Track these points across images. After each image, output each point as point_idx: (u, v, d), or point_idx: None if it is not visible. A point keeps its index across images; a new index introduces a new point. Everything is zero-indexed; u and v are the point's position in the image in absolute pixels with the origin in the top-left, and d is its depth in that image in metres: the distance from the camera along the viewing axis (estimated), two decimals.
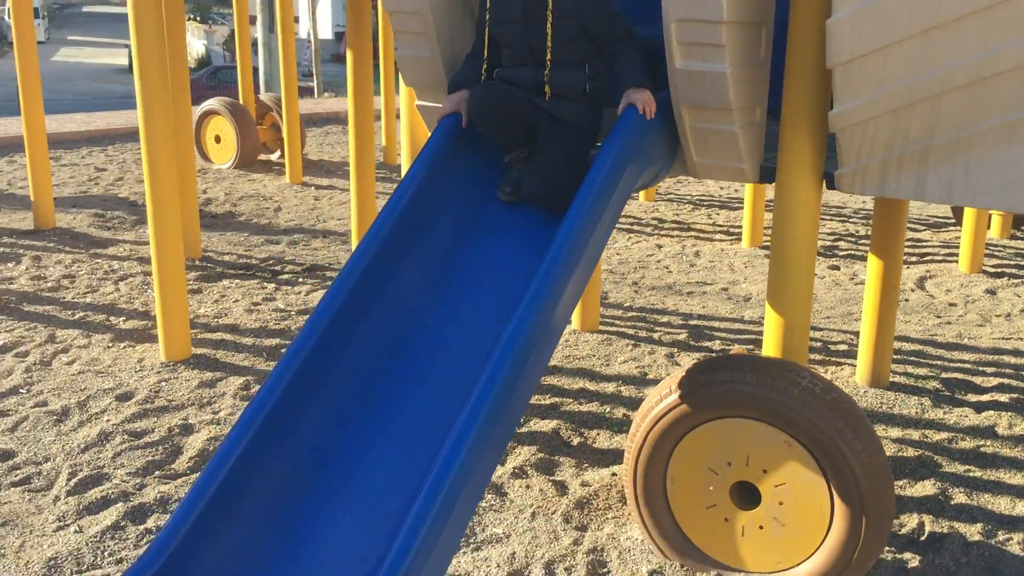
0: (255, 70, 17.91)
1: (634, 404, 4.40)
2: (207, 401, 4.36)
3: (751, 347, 5.14)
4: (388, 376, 2.79)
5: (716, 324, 5.62)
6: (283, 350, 5.00)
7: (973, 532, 3.34)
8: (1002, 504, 3.54)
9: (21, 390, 4.44)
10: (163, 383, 4.53)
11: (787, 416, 2.84)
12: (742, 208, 8.76)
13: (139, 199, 8.60)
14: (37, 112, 7.07)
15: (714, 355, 4.90)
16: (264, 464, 2.61)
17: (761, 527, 2.99)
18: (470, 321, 2.86)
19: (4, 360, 4.78)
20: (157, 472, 3.74)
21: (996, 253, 7.32)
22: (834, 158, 3.07)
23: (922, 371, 4.84)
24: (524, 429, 4.10)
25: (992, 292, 6.31)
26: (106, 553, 3.21)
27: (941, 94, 2.63)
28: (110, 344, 5.03)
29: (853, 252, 7.37)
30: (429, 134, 3.32)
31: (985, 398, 4.50)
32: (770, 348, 3.21)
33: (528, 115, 3.06)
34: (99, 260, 6.59)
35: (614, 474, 3.72)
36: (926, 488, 3.64)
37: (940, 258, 7.21)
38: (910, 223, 8.26)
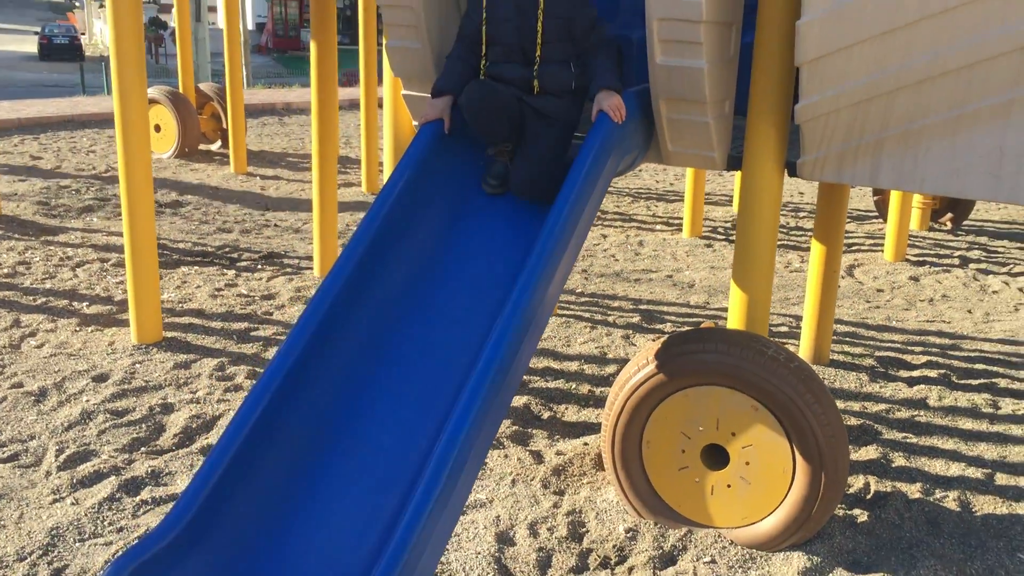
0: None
1: (597, 380, 4.66)
2: (184, 381, 4.46)
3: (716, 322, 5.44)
4: (395, 347, 2.97)
5: (665, 308, 5.92)
6: (252, 333, 5.12)
7: (914, 491, 3.68)
8: (937, 466, 3.89)
9: None
10: (138, 365, 4.62)
11: (754, 383, 3.12)
12: (679, 200, 9.12)
13: (81, 187, 8.54)
14: None
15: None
16: (277, 431, 2.76)
17: (729, 486, 3.27)
18: (470, 296, 3.06)
19: None
20: (143, 448, 3.85)
21: (917, 244, 7.80)
22: (795, 148, 3.36)
23: (858, 350, 5.21)
24: None
25: (915, 279, 6.76)
26: (105, 523, 3.32)
27: (896, 90, 2.94)
28: (77, 328, 5.08)
29: (786, 242, 7.76)
30: (413, 122, 3.50)
31: (916, 374, 4.88)
32: (735, 321, 3.48)
33: (516, 112, 3.21)
34: (52, 247, 6.58)
35: (586, 443, 3.97)
36: (869, 453, 3.97)
37: (866, 248, 7.65)
38: None
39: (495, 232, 3.33)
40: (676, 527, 3.35)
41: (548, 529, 3.36)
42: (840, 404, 4.46)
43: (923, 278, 6.79)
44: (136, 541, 2.50)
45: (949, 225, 8.40)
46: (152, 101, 10.04)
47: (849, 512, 3.51)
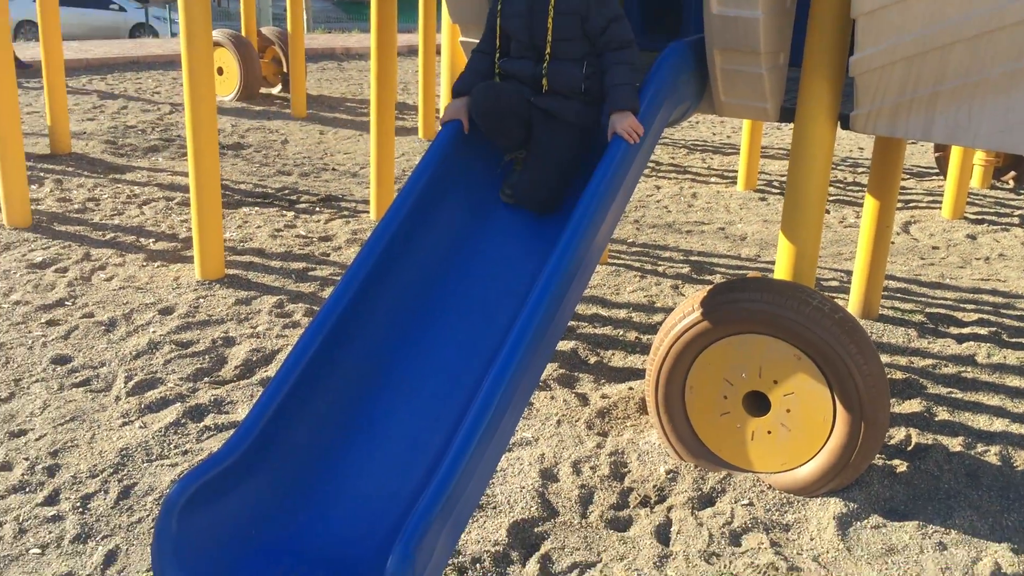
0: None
1: (644, 328, 4.74)
2: (245, 317, 4.64)
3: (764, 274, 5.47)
4: (446, 292, 3.08)
5: (715, 260, 5.95)
6: (310, 273, 5.28)
7: (955, 444, 3.72)
8: (981, 421, 3.92)
9: (67, 302, 4.70)
10: (201, 300, 4.80)
11: (798, 332, 3.17)
12: (735, 153, 9.07)
13: (147, 128, 8.75)
14: (55, 37, 7.21)
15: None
16: (331, 366, 2.88)
17: (769, 432, 3.34)
18: (521, 245, 3.15)
19: (46, 275, 5.03)
20: (206, 378, 4.03)
21: (977, 202, 7.68)
22: (849, 101, 3.37)
23: (908, 306, 5.21)
24: None
25: (972, 237, 6.68)
26: (171, 446, 3.51)
27: (951, 44, 2.93)
28: (144, 263, 5.28)
29: (841, 197, 7.70)
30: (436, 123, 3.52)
31: (966, 331, 4.87)
32: (782, 273, 3.53)
33: (524, 114, 3.09)
34: (119, 185, 6.80)
35: (631, 388, 4.06)
36: (913, 406, 4.01)
37: (924, 205, 7.57)
38: None
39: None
40: (716, 470, 3.44)
41: (591, 468, 3.48)
42: (886, 358, 4.49)
43: (981, 236, 6.72)
44: (199, 463, 2.66)
45: (1012, 183, 8.25)
46: (215, 44, 10.20)
47: (888, 462, 3.57)
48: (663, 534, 3.12)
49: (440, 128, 3.21)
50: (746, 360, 3.31)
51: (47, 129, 7.78)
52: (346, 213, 6.53)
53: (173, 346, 4.28)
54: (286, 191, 6.99)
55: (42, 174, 6.91)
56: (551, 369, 4.22)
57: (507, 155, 3.23)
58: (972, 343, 4.70)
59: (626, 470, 3.49)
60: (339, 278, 5.14)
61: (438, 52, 10.19)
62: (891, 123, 3.20)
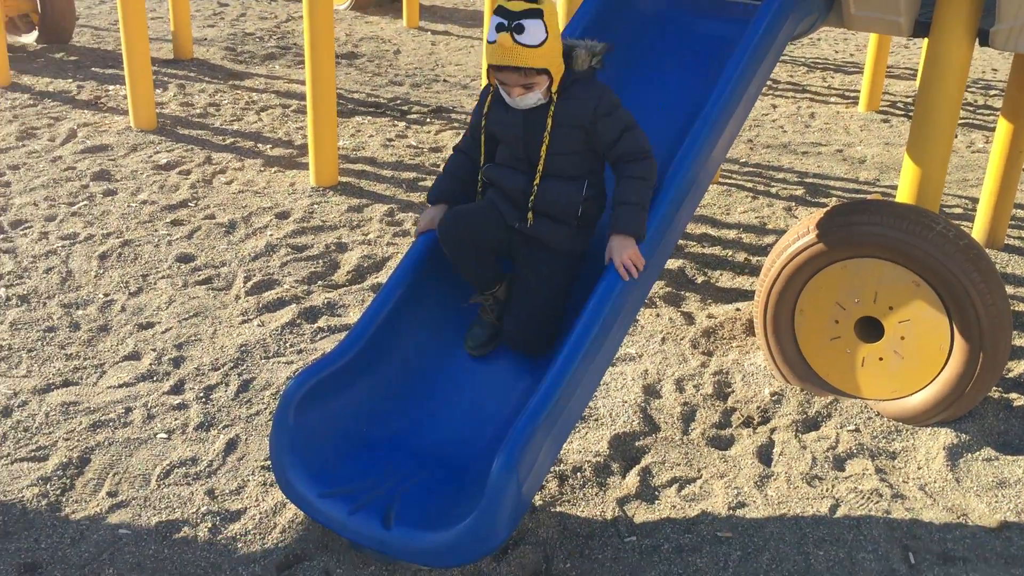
0: None
1: (754, 250, 4.65)
2: (357, 224, 4.74)
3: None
4: None
5: (831, 183, 5.77)
6: (420, 183, 5.34)
7: None
8: None
9: (190, 203, 4.88)
10: (316, 205, 4.92)
11: (919, 258, 3.07)
12: (858, 72, 8.68)
13: (264, 35, 8.88)
14: None
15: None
16: (440, 276, 2.92)
17: (881, 359, 3.27)
18: None
19: (170, 176, 5.22)
20: (320, 282, 4.16)
21: None
22: (989, 15, 3.18)
23: None
24: None
25: None
26: (287, 344, 3.65)
27: None
28: (262, 168, 5.42)
29: (971, 121, 7.32)
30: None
31: None
32: (905, 196, 3.40)
33: (503, 247, 2.76)
34: (239, 91, 6.96)
35: (738, 309, 4.02)
36: None
37: None
38: None
39: None
40: (822, 395, 3.40)
41: (694, 386, 3.48)
42: (1010, 289, 4.31)
43: None
44: (314, 362, 2.77)
45: None
46: None
47: (1005, 396, 3.46)
48: (765, 455, 3.11)
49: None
50: (861, 285, 3.23)
51: (170, 34, 7.97)
52: (456, 125, 6.54)
53: (289, 249, 4.41)
54: (398, 101, 7.04)
55: (166, 79, 7.12)
56: (658, 287, 4.20)
57: (472, 297, 2.85)
58: None
59: (730, 390, 3.48)
60: None
61: None
62: None
